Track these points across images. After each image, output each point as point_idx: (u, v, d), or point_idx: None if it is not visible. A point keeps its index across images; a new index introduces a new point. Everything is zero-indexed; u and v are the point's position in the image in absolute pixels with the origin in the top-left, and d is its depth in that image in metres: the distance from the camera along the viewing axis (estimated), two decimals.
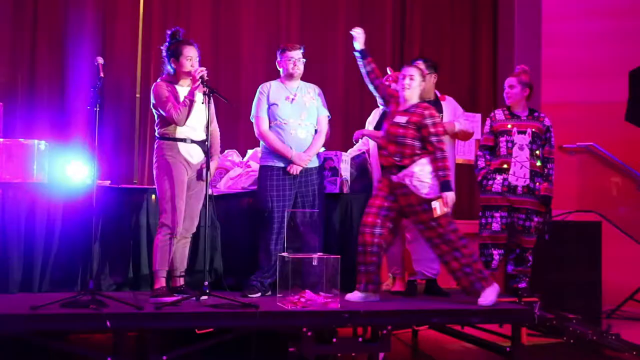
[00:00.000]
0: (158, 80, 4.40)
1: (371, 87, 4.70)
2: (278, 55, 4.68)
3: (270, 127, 4.60)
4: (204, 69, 4.24)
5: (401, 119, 4.40)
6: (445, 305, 4.51)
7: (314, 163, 4.68)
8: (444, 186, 4.29)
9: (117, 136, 6.34)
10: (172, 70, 4.37)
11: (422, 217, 4.35)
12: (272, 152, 4.59)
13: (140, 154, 6.33)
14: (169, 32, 4.41)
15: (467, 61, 7.45)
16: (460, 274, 4.37)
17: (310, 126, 4.65)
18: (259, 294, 4.48)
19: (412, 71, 4.44)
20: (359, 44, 4.65)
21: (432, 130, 4.34)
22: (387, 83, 4.75)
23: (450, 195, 4.30)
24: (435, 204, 4.27)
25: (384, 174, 4.53)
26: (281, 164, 4.57)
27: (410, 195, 4.35)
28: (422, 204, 4.32)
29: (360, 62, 4.66)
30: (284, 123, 4.57)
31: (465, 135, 5.09)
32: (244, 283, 4.56)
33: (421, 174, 4.32)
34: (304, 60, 4.64)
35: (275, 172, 4.57)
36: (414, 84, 4.41)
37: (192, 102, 4.23)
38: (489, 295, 4.34)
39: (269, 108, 4.61)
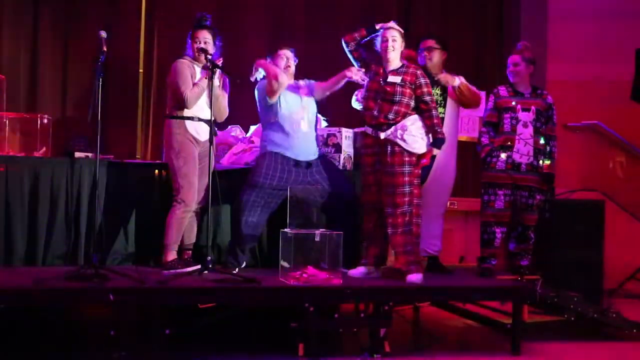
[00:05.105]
0: (180, 59, 4.47)
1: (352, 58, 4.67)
2: (269, 60, 4.64)
3: (273, 122, 4.56)
4: (201, 45, 4.37)
5: (395, 78, 4.39)
6: (446, 282, 4.53)
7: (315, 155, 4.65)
8: (437, 142, 4.34)
9: (119, 110, 6.33)
10: (191, 53, 4.49)
11: (398, 180, 4.30)
12: (278, 142, 4.54)
13: (143, 129, 6.33)
14: (196, 17, 4.51)
15: (473, 38, 7.39)
16: (401, 250, 4.33)
17: (312, 121, 4.65)
18: (239, 266, 4.49)
19: (393, 33, 4.43)
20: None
21: (425, 89, 4.40)
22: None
23: (437, 152, 4.37)
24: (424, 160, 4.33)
25: (369, 133, 4.45)
26: (286, 153, 4.52)
27: (396, 155, 4.32)
28: (403, 166, 4.30)
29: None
30: (289, 115, 4.53)
31: (470, 94, 4.89)
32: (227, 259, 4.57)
33: (412, 127, 4.33)
34: (296, 60, 4.63)
35: (280, 160, 4.51)
36: (397, 45, 4.43)
37: (203, 89, 4.36)
38: (417, 278, 4.27)
39: (272, 106, 4.57)
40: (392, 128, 4.34)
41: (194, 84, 4.39)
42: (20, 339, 4.19)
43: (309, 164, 4.59)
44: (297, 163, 4.56)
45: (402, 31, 4.48)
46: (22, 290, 3.73)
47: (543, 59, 6.68)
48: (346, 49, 4.61)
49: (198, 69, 4.46)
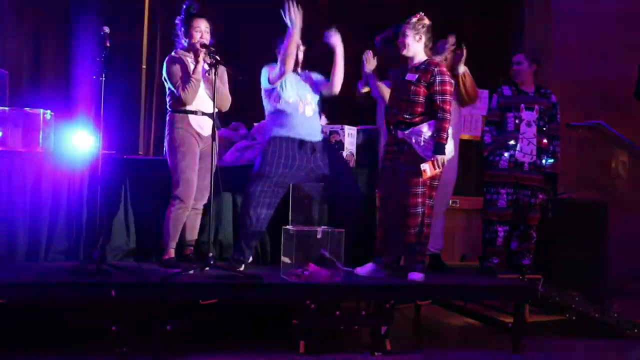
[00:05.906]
0: (172, 54, 4.42)
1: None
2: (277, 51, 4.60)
3: (275, 109, 4.54)
4: (203, 40, 4.28)
5: (412, 77, 4.33)
6: (448, 280, 4.53)
7: (320, 136, 4.64)
8: (438, 148, 4.21)
9: (122, 106, 6.31)
10: (185, 44, 4.40)
11: (410, 181, 4.26)
12: (282, 123, 4.51)
13: (145, 125, 6.32)
14: (184, 6, 4.41)
15: (476, 37, 7.36)
16: (411, 250, 4.31)
17: (316, 110, 4.62)
18: (246, 262, 4.48)
19: (404, 28, 4.34)
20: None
21: (438, 88, 4.26)
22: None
23: (442, 158, 4.23)
24: (425, 166, 4.20)
25: (390, 132, 4.44)
26: (290, 134, 4.49)
27: (411, 155, 4.28)
28: (416, 166, 4.23)
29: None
30: (292, 101, 4.51)
31: (471, 86, 4.96)
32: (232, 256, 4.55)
33: (427, 135, 4.26)
34: (304, 48, 4.59)
35: (284, 145, 4.50)
36: (409, 41, 4.33)
37: (198, 80, 4.28)
38: (419, 277, 4.26)
39: (273, 90, 4.56)
40: (410, 129, 4.30)
41: (187, 81, 4.28)
42: (21, 334, 4.20)
43: (313, 149, 4.55)
44: (301, 144, 4.51)
45: (417, 25, 4.35)
46: (24, 285, 3.74)
47: (547, 58, 6.66)
48: (378, 49, 4.59)
49: (190, 61, 4.37)
